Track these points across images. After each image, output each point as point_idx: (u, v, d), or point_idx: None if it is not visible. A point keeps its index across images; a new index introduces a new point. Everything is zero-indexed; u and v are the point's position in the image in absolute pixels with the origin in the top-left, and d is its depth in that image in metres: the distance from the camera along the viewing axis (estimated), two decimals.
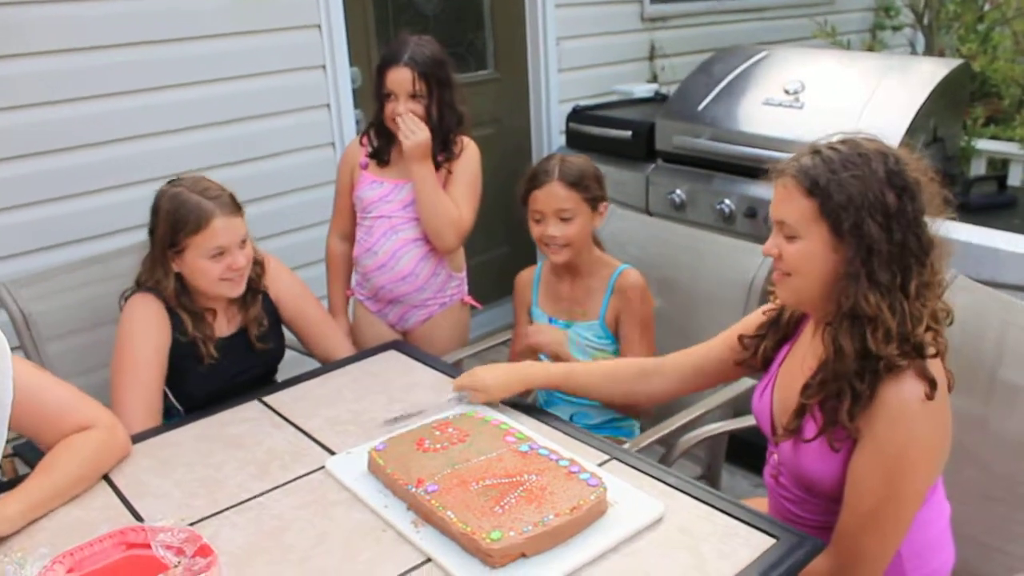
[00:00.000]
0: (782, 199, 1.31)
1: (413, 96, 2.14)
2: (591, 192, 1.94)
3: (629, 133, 3.28)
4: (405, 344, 2.13)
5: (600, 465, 1.46)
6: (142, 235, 1.94)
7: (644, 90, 3.85)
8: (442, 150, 2.22)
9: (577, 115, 3.59)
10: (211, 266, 1.82)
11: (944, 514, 1.41)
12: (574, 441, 1.56)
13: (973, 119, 3.27)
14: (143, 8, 2.57)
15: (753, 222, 2.79)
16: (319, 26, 2.96)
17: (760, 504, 1.51)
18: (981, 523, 1.54)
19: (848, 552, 1.30)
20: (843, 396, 1.26)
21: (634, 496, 1.35)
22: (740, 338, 1.54)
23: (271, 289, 2.02)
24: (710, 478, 2.07)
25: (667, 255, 2.23)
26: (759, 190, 2.74)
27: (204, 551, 1.24)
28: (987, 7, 3.97)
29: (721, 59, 3.27)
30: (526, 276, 2.15)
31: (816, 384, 1.30)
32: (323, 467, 1.52)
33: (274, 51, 2.87)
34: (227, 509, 1.42)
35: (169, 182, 1.89)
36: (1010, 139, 3.19)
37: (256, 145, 2.89)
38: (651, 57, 4.15)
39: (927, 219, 1.26)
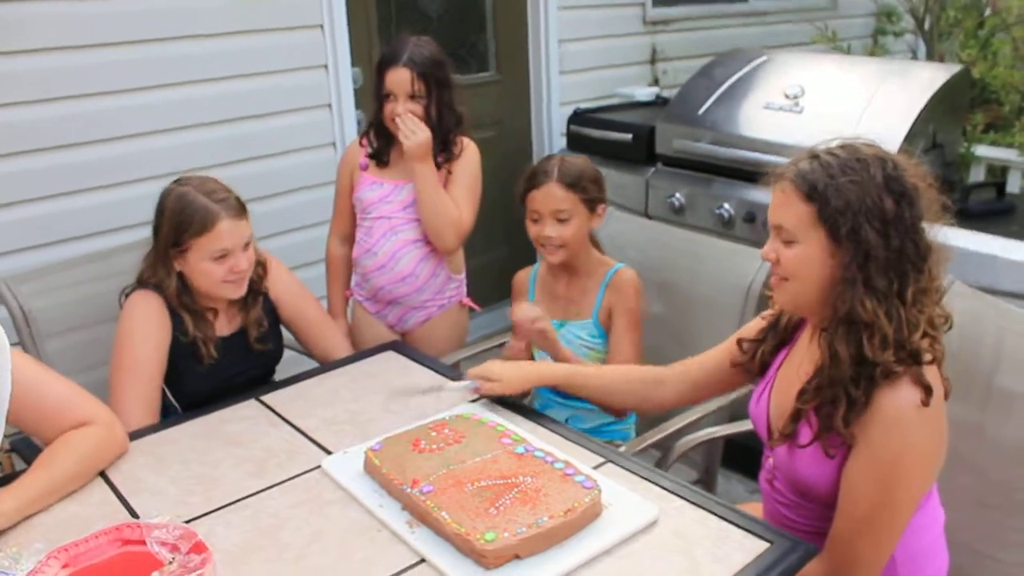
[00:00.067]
0: (780, 203, 1.31)
1: (412, 97, 2.15)
2: (589, 194, 1.95)
3: (629, 136, 3.28)
4: (403, 345, 2.13)
5: (595, 468, 1.46)
6: (143, 233, 1.94)
7: (645, 93, 3.85)
8: (442, 150, 2.22)
9: (578, 117, 3.59)
10: (214, 268, 1.81)
11: (939, 520, 1.42)
12: (570, 444, 1.57)
13: (973, 125, 3.27)
14: (145, 6, 2.58)
15: (752, 227, 2.80)
16: (321, 26, 2.96)
17: (755, 509, 1.51)
18: (976, 530, 1.55)
19: (842, 557, 1.30)
20: (838, 402, 1.26)
21: (629, 499, 1.36)
22: (739, 342, 1.55)
23: (271, 290, 2.02)
24: (706, 482, 2.07)
25: (666, 259, 2.23)
26: (758, 195, 2.75)
27: (199, 548, 1.24)
28: (987, 13, 3.98)
29: (722, 63, 3.28)
30: (523, 276, 2.16)
31: (812, 389, 1.31)
32: (319, 466, 1.52)
33: (276, 50, 2.87)
34: (223, 507, 1.42)
35: (175, 181, 1.87)
36: (1009, 146, 3.20)
37: (257, 144, 2.90)
38: (653, 61, 4.15)
39: (925, 225, 1.26)
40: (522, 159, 3.74)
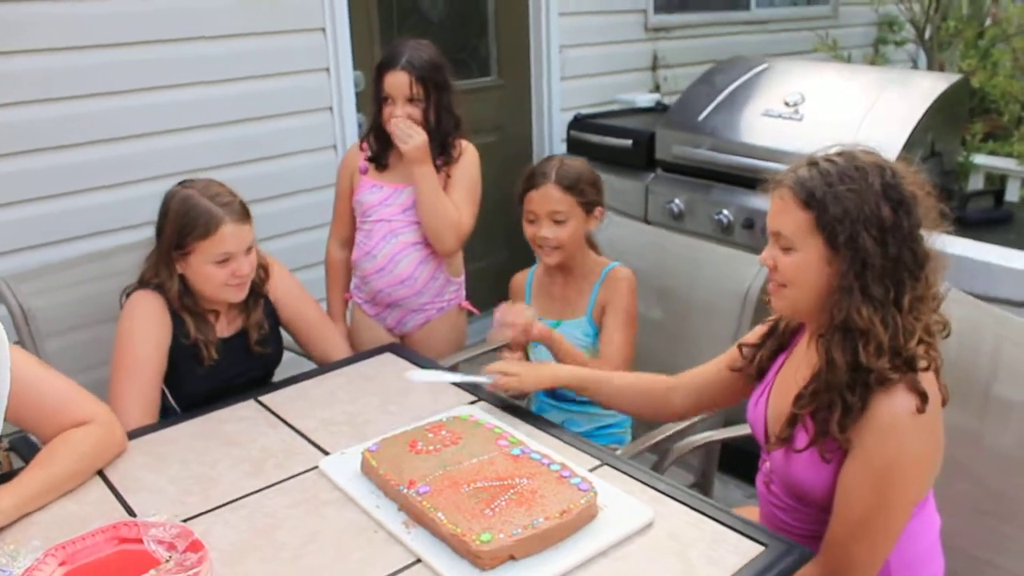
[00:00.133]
0: (778, 210, 1.32)
1: (411, 100, 2.15)
2: (586, 196, 1.95)
3: (629, 142, 3.30)
4: (401, 347, 2.14)
5: (592, 470, 1.47)
6: (144, 233, 1.94)
7: (646, 100, 3.86)
8: (440, 153, 2.22)
9: (578, 123, 3.61)
10: (216, 271, 1.81)
11: (934, 527, 1.42)
12: (566, 446, 1.57)
13: (972, 134, 3.28)
14: (146, 7, 2.59)
15: (751, 233, 2.80)
16: (323, 29, 2.97)
17: (751, 513, 1.52)
18: (971, 536, 1.55)
19: (837, 561, 1.30)
20: (834, 407, 1.26)
21: (624, 501, 1.36)
22: (739, 346, 1.55)
23: (271, 292, 2.02)
24: (703, 486, 2.07)
25: (664, 264, 2.24)
26: (757, 201, 2.75)
27: (195, 546, 1.24)
28: (988, 24, 4.00)
29: (722, 70, 3.29)
30: (520, 278, 2.17)
31: (808, 395, 1.31)
32: (317, 467, 1.53)
33: (278, 53, 2.88)
34: (220, 506, 1.42)
35: (180, 183, 1.87)
36: (1008, 155, 3.21)
37: (258, 146, 2.90)
38: (654, 67, 4.16)
39: (923, 232, 1.27)
40: (522, 164, 3.69)
